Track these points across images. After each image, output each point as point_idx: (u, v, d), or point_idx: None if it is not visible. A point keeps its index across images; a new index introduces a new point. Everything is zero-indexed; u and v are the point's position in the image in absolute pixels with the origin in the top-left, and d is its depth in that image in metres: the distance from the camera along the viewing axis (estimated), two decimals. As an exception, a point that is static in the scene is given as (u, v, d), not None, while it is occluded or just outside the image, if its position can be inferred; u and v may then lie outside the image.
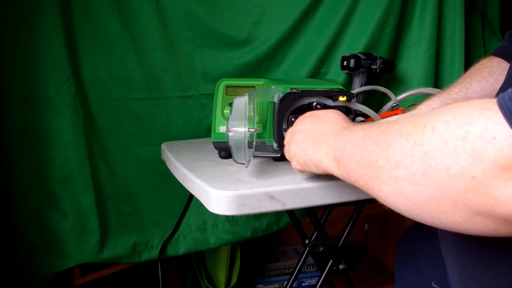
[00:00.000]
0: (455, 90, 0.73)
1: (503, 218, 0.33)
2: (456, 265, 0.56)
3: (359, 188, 0.45)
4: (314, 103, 0.69)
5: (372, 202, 0.55)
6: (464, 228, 0.36)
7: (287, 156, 0.61)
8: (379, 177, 0.40)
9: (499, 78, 0.71)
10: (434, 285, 0.70)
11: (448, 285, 0.65)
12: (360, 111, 0.71)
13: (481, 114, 0.32)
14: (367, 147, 0.43)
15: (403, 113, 0.81)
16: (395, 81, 1.15)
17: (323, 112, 0.59)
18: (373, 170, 0.41)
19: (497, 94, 0.57)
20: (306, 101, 0.69)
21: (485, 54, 1.27)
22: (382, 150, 0.39)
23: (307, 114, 0.61)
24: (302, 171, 0.58)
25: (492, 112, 0.32)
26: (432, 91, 0.78)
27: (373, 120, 0.74)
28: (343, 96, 0.69)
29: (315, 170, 0.55)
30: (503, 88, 0.56)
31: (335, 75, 1.10)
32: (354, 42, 1.09)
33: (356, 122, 0.56)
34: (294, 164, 0.59)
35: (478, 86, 0.72)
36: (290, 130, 0.61)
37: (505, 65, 0.72)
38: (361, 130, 0.46)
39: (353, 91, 0.78)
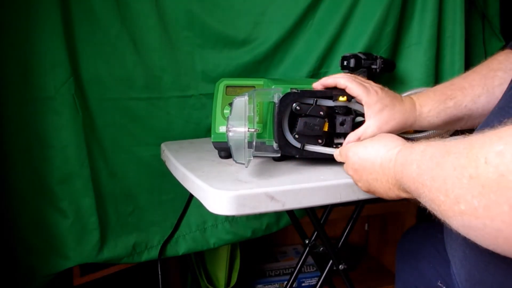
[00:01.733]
0: (464, 102, 0.71)
1: None
2: (463, 264, 0.56)
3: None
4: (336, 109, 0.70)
5: (372, 202, 0.55)
6: None
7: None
8: (445, 212, 0.39)
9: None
10: (440, 284, 0.69)
11: (449, 285, 0.65)
12: (360, 111, 0.71)
13: None
14: (425, 182, 0.42)
15: None
16: (395, 81, 1.15)
17: (359, 160, 0.60)
18: (437, 205, 0.40)
19: (507, 93, 0.56)
20: (306, 101, 0.69)
21: (485, 54, 1.26)
22: (440, 186, 0.39)
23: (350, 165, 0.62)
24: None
25: None
26: None
27: None
28: (343, 96, 0.69)
29: (387, 197, 0.56)
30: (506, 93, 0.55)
31: (335, 75, 1.10)
32: (354, 42, 1.09)
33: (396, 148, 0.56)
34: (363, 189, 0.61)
35: (486, 99, 0.71)
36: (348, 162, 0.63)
37: None
38: (415, 162, 0.46)
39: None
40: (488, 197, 0.34)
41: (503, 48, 0.75)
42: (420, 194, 0.44)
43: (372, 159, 0.57)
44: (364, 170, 0.58)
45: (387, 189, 0.54)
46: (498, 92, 0.69)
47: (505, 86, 0.59)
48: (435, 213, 0.42)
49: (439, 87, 0.74)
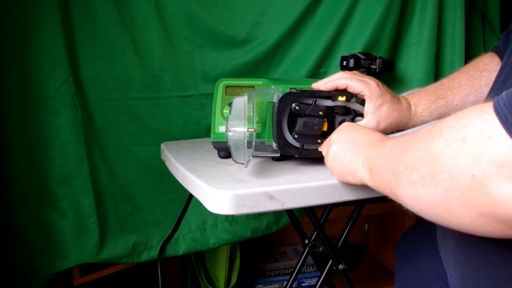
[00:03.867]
0: (454, 101, 0.74)
1: (504, 219, 0.34)
2: (456, 270, 0.56)
3: (388, 197, 0.47)
4: (335, 109, 0.70)
5: (372, 202, 0.55)
6: (474, 230, 0.37)
7: (327, 165, 0.62)
8: (399, 182, 0.42)
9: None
10: None
11: (448, 286, 0.65)
12: (359, 111, 0.71)
13: (480, 117, 0.34)
14: (392, 155, 0.45)
15: None
16: (394, 81, 1.15)
17: (357, 125, 0.62)
18: (395, 176, 0.43)
19: (488, 94, 0.57)
20: (306, 101, 0.69)
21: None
22: (402, 156, 0.42)
23: (345, 124, 0.63)
24: (340, 181, 0.61)
25: (489, 114, 0.33)
26: None
27: None
28: (342, 96, 0.69)
29: (352, 180, 0.56)
30: (493, 89, 0.56)
31: (335, 75, 1.10)
32: (354, 42, 1.09)
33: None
34: (333, 173, 0.61)
35: (474, 97, 0.74)
36: (327, 140, 0.63)
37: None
38: (392, 141, 0.48)
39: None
40: (434, 165, 0.37)
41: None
42: (383, 167, 0.47)
43: (367, 131, 0.59)
44: (351, 134, 0.60)
45: (359, 167, 0.54)
46: (485, 91, 0.71)
47: (490, 84, 0.61)
48: (388, 191, 0.46)
49: (429, 87, 0.77)
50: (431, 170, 0.37)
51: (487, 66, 0.74)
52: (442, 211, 0.38)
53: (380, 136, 0.56)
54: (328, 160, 0.61)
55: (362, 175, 0.53)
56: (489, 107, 0.34)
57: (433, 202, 0.38)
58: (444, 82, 0.76)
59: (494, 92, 0.55)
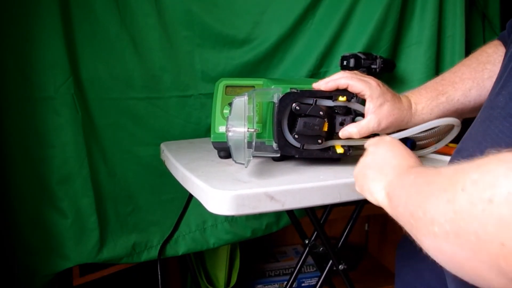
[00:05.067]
0: (456, 96, 0.72)
1: None
2: (456, 281, 0.55)
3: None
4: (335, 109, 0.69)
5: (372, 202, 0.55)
6: None
7: (354, 172, 0.60)
8: (420, 229, 0.39)
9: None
10: None
11: None
12: (360, 111, 0.70)
13: (506, 174, 0.30)
14: (412, 194, 0.42)
15: None
16: (395, 81, 1.15)
17: (399, 144, 0.58)
18: (415, 220, 0.40)
19: (490, 92, 0.56)
20: (306, 101, 0.69)
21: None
22: (422, 202, 0.39)
23: (387, 138, 0.60)
24: (359, 192, 0.58)
25: None
26: (451, 122, 0.76)
27: None
28: (343, 96, 0.69)
29: (370, 198, 0.54)
30: (495, 88, 0.55)
31: (335, 75, 1.10)
32: (354, 42, 1.08)
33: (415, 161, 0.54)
34: (355, 183, 0.59)
35: (477, 92, 0.71)
36: (368, 149, 0.61)
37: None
38: (413, 174, 0.45)
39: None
40: (458, 224, 0.33)
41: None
42: (401, 203, 0.44)
43: (401, 154, 0.55)
44: (386, 152, 0.57)
45: (379, 190, 0.52)
46: (488, 85, 0.69)
47: (494, 79, 0.59)
48: (409, 229, 0.42)
49: (430, 83, 0.75)
50: (455, 228, 0.33)
51: (491, 58, 0.72)
52: (467, 270, 0.35)
53: (413, 162, 0.52)
54: (356, 168, 0.59)
55: (380, 199, 0.51)
56: None
57: (458, 260, 0.35)
58: (446, 76, 0.74)
59: (495, 92, 0.54)
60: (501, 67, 0.56)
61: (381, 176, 0.52)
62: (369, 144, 0.61)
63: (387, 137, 0.61)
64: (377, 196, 0.51)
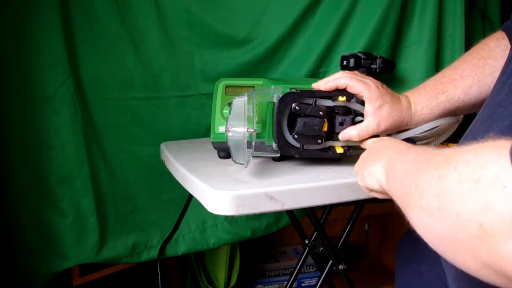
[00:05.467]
0: (456, 95, 0.71)
1: (510, 276, 0.30)
2: (460, 283, 0.55)
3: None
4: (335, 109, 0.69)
5: (372, 202, 0.55)
6: (478, 276, 0.34)
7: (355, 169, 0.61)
8: (409, 202, 0.40)
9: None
10: None
11: None
12: (359, 111, 0.70)
13: (496, 159, 0.30)
14: (409, 168, 0.43)
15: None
16: (395, 81, 1.15)
17: (397, 140, 0.60)
18: (406, 194, 0.41)
19: (493, 89, 0.55)
20: (306, 101, 0.69)
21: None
22: (417, 176, 0.39)
23: (385, 138, 0.62)
24: (362, 186, 0.58)
25: (507, 159, 0.29)
26: (451, 121, 0.75)
27: None
28: (342, 96, 0.69)
29: (370, 182, 0.54)
30: (496, 85, 0.55)
31: (335, 74, 1.10)
32: (354, 42, 1.08)
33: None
34: (357, 177, 0.59)
35: (478, 89, 0.70)
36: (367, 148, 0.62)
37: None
38: (415, 152, 0.45)
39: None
40: (443, 200, 0.34)
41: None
42: (398, 177, 0.45)
43: (399, 142, 0.57)
44: (382, 142, 0.59)
45: (378, 168, 0.53)
46: (490, 81, 0.68)
47: (496, 75, 0.58)
48: (399, 202, 0.43)
49: (430, 81, 0.74)
50: (439, 203, 0.34)
51: (492, 52, 0.70)
52: (447, 248, 0.35)
53: (409, 145, 0.54)
54: (356, 164, 0.60)
55: (379, 176, 0.52)
56: (507, 150, 0.30)
57: (438, 236, 0.36)
58: (446, 73, 0.73)
59: (497, 89, 0.53)
60: (505, 63, 0.55)
61: (379, 158, 0.53)
62: (367, 144, 0.61)
63: (386, 137, 0.62)
64: (377, 175, 0.52)
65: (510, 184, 0.28)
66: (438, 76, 0.74)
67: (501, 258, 0.29)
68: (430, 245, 0.38)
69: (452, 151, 0.37)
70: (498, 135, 0.47)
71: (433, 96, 0.71)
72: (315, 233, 1.04)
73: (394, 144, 0.56)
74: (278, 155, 0.70)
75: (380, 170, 0.51)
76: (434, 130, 0.80)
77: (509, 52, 0.56)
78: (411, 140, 0.83)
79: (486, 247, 0.30)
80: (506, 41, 0.69)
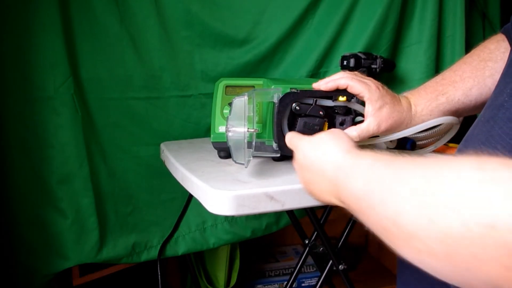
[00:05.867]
0: (456, 96, 0.71)
1: None
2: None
3: None
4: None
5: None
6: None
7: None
8: (398, 245, 0.35)
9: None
10: None
11: None
12: (360, 111, 0.70)
13: (504, 192, 0.28)
14: (374, 205, 0.37)
15: None
16: (395, 81, 1.15)
17: (308, 163, 0.54)
18: (388, 235, 0.35)
19: (495, 90, 0.55)
20: (306, 101, 0.69)
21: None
22: (392, 215, 0.34)
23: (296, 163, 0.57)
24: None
25: None
26: (450, 121, 0.75)
27: None
28: (343, 96, 0.69)
29: (328, 202, 0.50)
30: (499, 86, 0.54)
31: (335, 74, 1.10)
32: (354, 42, 1.08)
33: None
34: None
35: (478, 91, 0.70)
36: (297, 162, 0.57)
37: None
38: (360, 179, 0.40)
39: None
40: (449, 245, 0.30)
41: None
42: (364, 213, 0.39)
43: (313, 158, 0.52)
44: (307, 168, 0.53)
45: (322, 192, 0.49)
46: (490, 83, 0.68)
47: (496, 77, 0.57)
48: (382, 238, 0.37)
49: (430, 83, 0.74)
50: (445, 249, 0.30)
51: (492, 55, 0.70)
52: (459, 282, 0.32)
53: (330, 172, 0.47)
54: (299, 178, 0.55)
55: (341, 204, 0.46)
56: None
57: (448, 274, 0.33)
58: (446, 75, 0.73)
59: (499, 91, 0.53)
60: (506, 65, 0.55)
61: (323, 193, 0.48)
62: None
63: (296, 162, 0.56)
64: (337, 203, 0.47)
65: None
66: (438, 78, 0.74)
67: None
68: (438, 277, 0.35)
69: (422, 172, 0.33)
70: (501, 136, 0.47)
71: (433, 98, 0.71)
72: (315, 233, 1.04)
73: (317, 182, 0.50)
74: (278, 155, 0.70)
75: (333, 200, 0.47)
76: (434, 130, 0.80)
77: (509, 54, 0.55)
78: (411, 141, 0.83)
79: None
80: (506, 43, 0.69)
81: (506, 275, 0.28)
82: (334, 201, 0.47)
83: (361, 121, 0.70)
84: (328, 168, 0.48)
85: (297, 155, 0.56)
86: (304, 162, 0.54)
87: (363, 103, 0.70)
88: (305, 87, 0.71)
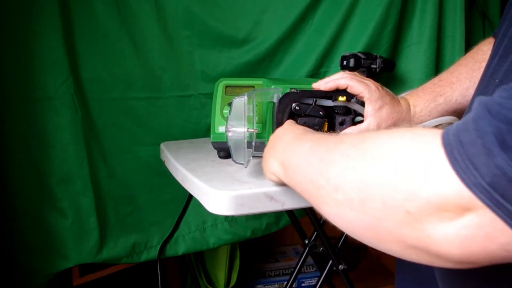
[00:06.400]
0: (454, 97, 0.72)
1: (437, 255, 0.32)
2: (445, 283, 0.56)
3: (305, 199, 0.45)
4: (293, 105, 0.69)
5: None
6: (401, 256, 0.36)
7: None
8: (321, 197, 0.40)
9: None
10: None
11: None
12: (359, 111, 0.70)
13: (420, 147, 0.32)
14: (311, 162, 0.42)
15: None
16: (395, 81, 1.15)
17: (289, 123, 0.61)
18: (315, 188, 0.40)
19: (471, 103, 0.56)
20: (306, 101, 0.69)
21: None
22: (324, 170, 0.39)
23: (284, 125, 0.61)
24: (271, 180, 0.59)
25: (431, 147, 0.31)
26: (450, 120, 0.76)
27: None
28: (342, 96, 0.69)
29: (271, 177, 0.56)
30: (482, 80, 0.55)
31: (335, 74, 1.10)
32: (354, 42, 1.08)
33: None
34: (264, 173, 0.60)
35: (474, 90, 0.72)
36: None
37: None
38: (309, 142, 0.45)
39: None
40: (365, 191, 0.34)
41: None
42: (299, 172, 0.44)
43: (289, 129, 0.57)
44: (274, 135, 0.59)
45: (273, 162, 0.53)
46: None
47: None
48: (307, 196, 0.43)
49: (427, 84, 0.75)
50: (361, 195, 0.35)
51: (486, 56, 0.69)
52: (369, 236, 0.37)
53: (302, 131, 0.54)
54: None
55: (276, 170, 0.52)
56: (433, 138, 0.31)
57: (360, 226, 0.36)
58: (443, 77, 0.75)
59: (484, 85, 0.54)
60: (484, 69, 0.56)
61: (274, 151, 0.54)
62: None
63: (284, 125, 0.61)
64: (274, 169, 0.52)
65: (436, 173, 0.30)
66: (435, 80, 0.76)
67: (429, 239, 0.31)
68: (349, 234, 0.39)
69: (359, 138, 0.38)
70: None
71: (432, 99, 0.72)
72: (315, 233, 1.04)
73: (286, 132, 0.56)
74: (278, 155, 0.70)
75: (274, 163, 0.52)
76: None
77: (488, 61, 0.56)
78: None
79: (414, 231, 0.32)
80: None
81: (410, 222, 0.32)
82: (275, 165, 0.52)
83: (361, 121, 0.70)
84: (287, 136, 0.54)
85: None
86: (271, 138, 0.59)
87: (362, 103, 0.70)
88: (305, 87, 0.71)
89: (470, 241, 0.30)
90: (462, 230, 0.30)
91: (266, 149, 0.58)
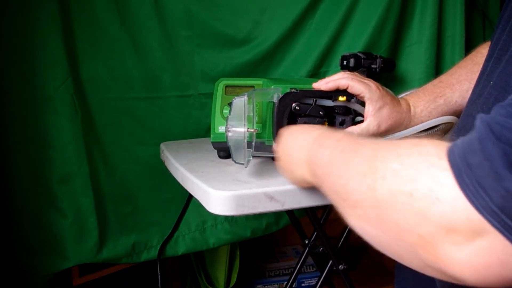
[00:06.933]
0: (454, 98, 0.72)
1: (452, 277, 0.32)
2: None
3: None
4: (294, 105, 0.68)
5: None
6: (421, 271, 0.36)
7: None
8: (346, 210, 0.40)
9: None
10: None
11: None
12: (359, 111, 0.70)
13: (427, 169, 0.31)
14: (332, 174, 0.43)
15: None
16: (395, 81, 1.15)
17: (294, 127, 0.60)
18: (340, 201, 0.41)
19: (475, 86, 0.56)
20: (306, 101, 0.69)
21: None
22: (343, 185, 0.39)
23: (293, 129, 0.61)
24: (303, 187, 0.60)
25: (438, 169, 0.31)
26: (449, 120, 0.76)
27: None
28: (342, 96, 0.69)
29: (305, 185, 0.56)
30: (472, 100, 0.55)
31: (335, 74, 1.10)
32: (354, 41, 1.08)
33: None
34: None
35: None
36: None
37: None
38: (328, 148, 0.45)
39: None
40: (380, 212, 0.34)
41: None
42: (325, 182, 0.45)
43: (294, 139, 0.57)
44: (287, 148, 0.58)
45: (298, 164, 0.53)
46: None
47: None
48: (335, 205, 0.43)
49: (428, 86, 0.75)
50: (377, 214, 0.35)
51: (484, 59, 0.74)
52: (390, 252, 0.37)
53: (316, 132, 0.53)
54: (279, 167, 0.61)
55: (309, 179, 0.52)
56: (439, 158, 0.31)
57: (381, 242, 0.37)
58: (443, 78, 0.75)
59: (472, 100, 0.54)
60: (480, 73, 0.57)
61: (298, 160, 0.53)
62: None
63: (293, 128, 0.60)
64: (307, 178, 0.52)
65: (442, 196, 0.30)
66: (435, 81, 0.76)
67: (441, 262, 0.31)
68: (374, 246, 0.40)
69: (371, 152, 0.37)
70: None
71: (432, 100, 0.73)
72: (315, 233, 1.04)
73: (301, 137, 0.55)
74: (278, 155, 0.70)
75: (306, 172, 0.52)
76: (433, 130, 0.80)
77: (483, 65, 0.57)
78: None
79: (426, 254, 0.32)
80: None
81: (423, 246, 0.32)
82: (305, 172, 0.52)
83: (361, 121, 0.70)
84: (306, 142, 0.53)
85: (280, 143, 0.60)
86: (285, 144, 0.58)
87: (362, 103, 0.70)
88: (305, 87, 0.71)
89: (483, 267, 0.30)
90: (475, 256, 0.30)
91: (287, 157, 0.57)
